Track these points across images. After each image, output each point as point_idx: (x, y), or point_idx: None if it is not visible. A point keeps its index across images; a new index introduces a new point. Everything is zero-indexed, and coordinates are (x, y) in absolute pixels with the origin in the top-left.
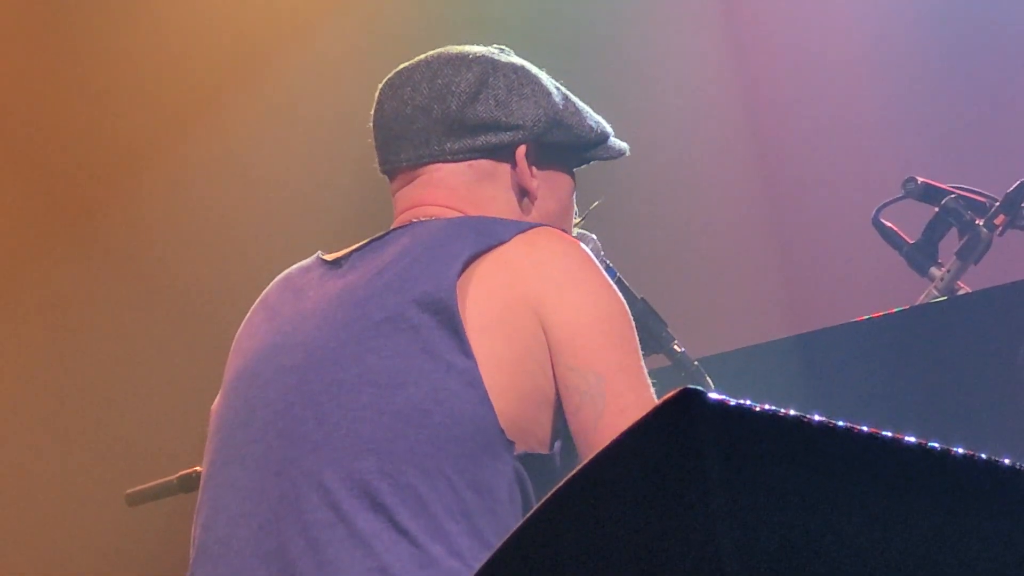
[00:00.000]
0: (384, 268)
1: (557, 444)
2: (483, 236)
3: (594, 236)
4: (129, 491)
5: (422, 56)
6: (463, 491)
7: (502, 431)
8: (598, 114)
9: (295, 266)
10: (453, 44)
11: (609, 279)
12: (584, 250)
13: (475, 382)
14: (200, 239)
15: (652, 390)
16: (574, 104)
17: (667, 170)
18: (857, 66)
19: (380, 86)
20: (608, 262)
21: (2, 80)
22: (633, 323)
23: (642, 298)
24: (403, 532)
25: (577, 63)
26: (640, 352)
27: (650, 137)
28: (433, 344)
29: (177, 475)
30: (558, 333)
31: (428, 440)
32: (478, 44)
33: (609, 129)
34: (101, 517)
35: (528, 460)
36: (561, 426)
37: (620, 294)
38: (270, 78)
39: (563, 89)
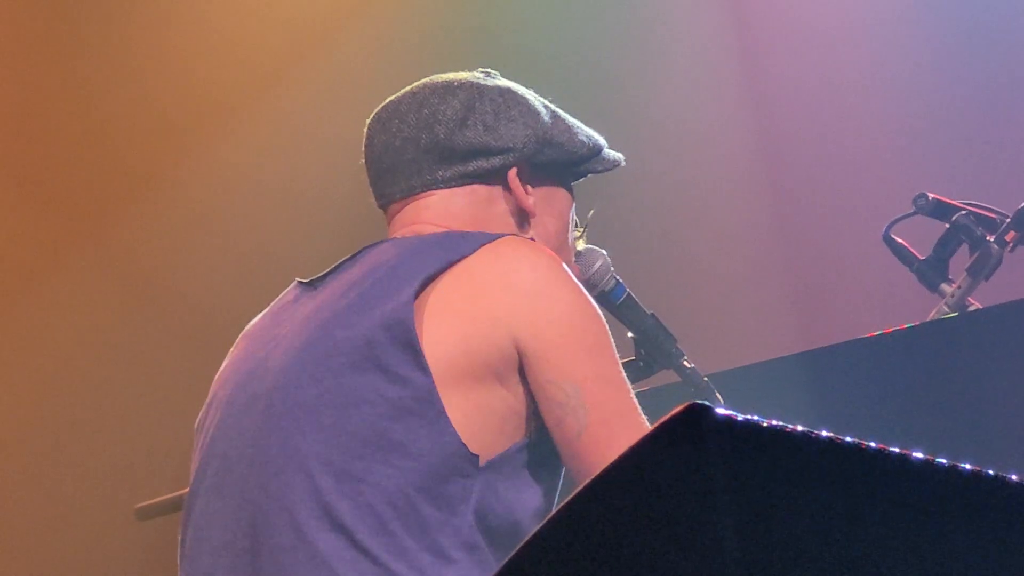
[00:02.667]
0: (348, 288)
1: (516, 445)
2: (446, 252)
3: (604, 252)
4: (139, 505)
5: (407, 88)
6: (422, 507)
7: (463, 445)
8: (603, 128)
9: (276, 299)
10: (459, 56)
11: (580, 285)
12: (551, 256)
13: (432, 399)
14: (210, 249)
15: (632, 395)
16: (564, 121)
17: (677, 186)
18: (869, 81)
19: (367, 122)
20: (618, 278)
21: (6, 88)
22: (607, 328)
23: (652, 313)
24: (364, 551)
25: (587, 80)
26: (617, 357)
27: (659, 153)
28: (388, 362)
29: (187, 489)
30: (533, 346)
31: (385, 459)
32: (481, 56)
33: (602, 141)
34: (111, 531)
35: (491, 467)
36: (531, 431)
37: (592, 299)
38: (276, 91)
39: (552, 107)
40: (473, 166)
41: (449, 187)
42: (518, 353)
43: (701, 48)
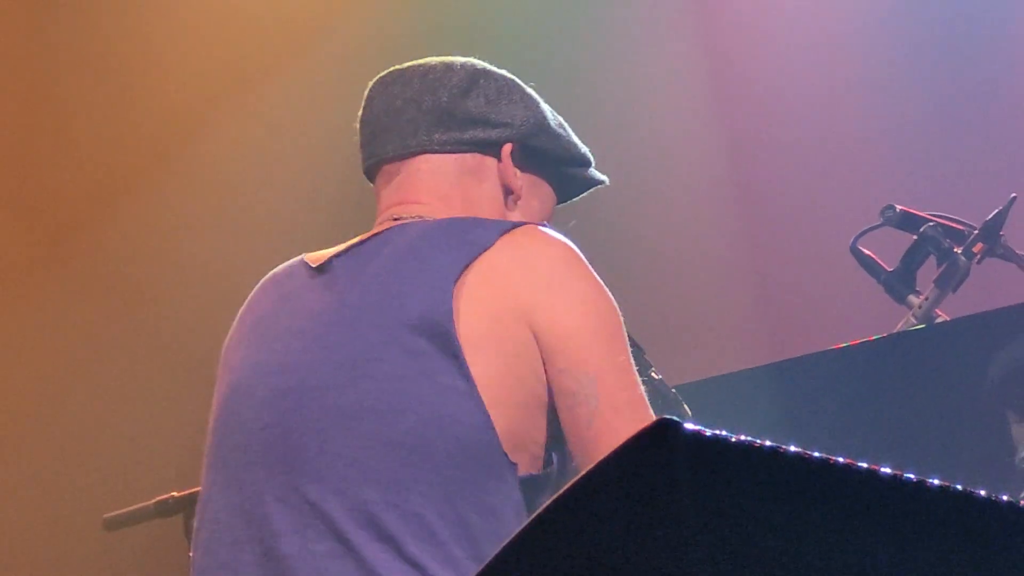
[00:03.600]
0: (370, 282)
1: (554, 459)
2: (468, 244)
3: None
4: (107, 515)
5: (413, 61)
6: (469, 516)
7: (505, 454)
8: (580, 140)
9: (279, 268)
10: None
11: (597, 276)
12: (570, 247)
13: (476, 405)
14: (185, 261)
15: (642, 389)
16: (560, 121)
17: (644, 196)
18: (836, 92)
19: (370, 84)
20: None
21: None
22: (622, 320)
23: None
24: (411, 561)
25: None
26: (630, 349)
27: (628, 162)
28: (432, 368)
29: (154, 500)
30: (549, 336)
31: (432, 468)
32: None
33: (591, 158)
34: (79, 541)
35: (529, 482)
36: (558, 431)
37: (608, 291)
38: (261, 95)
39: (551, 109)
40: (470, 134)
41: (442, 152)
42: (537, 342)
43: (670, 58)
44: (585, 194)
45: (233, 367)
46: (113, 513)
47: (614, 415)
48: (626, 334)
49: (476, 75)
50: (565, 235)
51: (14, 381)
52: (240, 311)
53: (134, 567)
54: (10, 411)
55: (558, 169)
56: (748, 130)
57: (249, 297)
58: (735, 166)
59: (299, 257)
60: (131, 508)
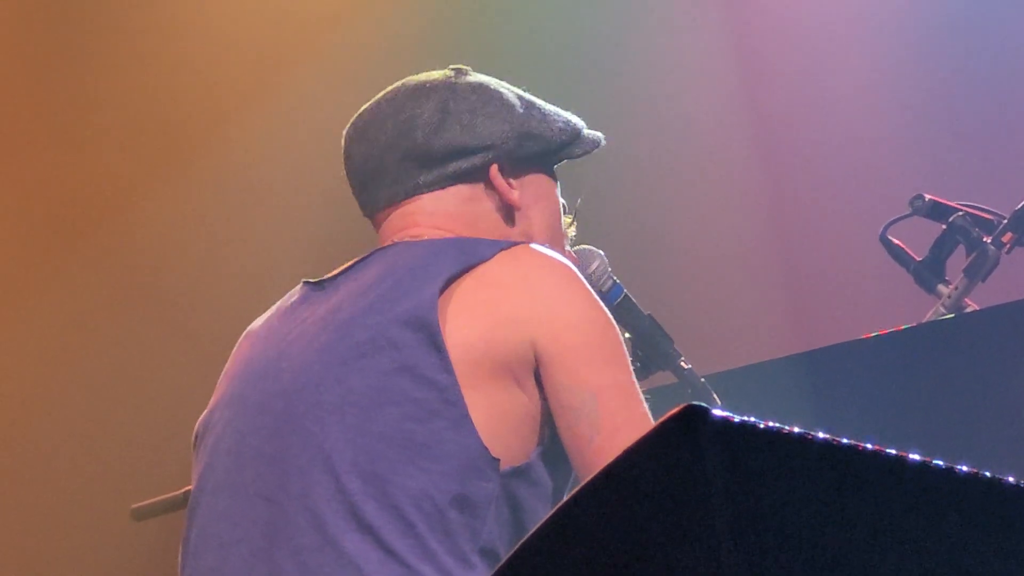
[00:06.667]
0: (367, 289)
1: (536, 451)
2: (465, 255)
3: (601, 252)
4: (135, 505)
5: (380, 95)
6: (447, 510)
7: (486, 449)
8: (597, 127)
9: (282, 299)
10: (454, 53)
11: (595, 294)
12: (568, 265)
13: (457, 400)
14: (210, 251)
15: (645, 405)
16: (540, 110)
17: (674, 187)
18: (865, 81)
19: (345, 132)
20: (615, 278)
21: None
22: (622, 338)
23: (649, 314)
24: (391, 553)
25: (582, 79)
26: (631, 367)
27: (656, 153)
28: (414, 362)
29: (183, 490)
30: (551, 349)
31: (410, 460)
32: (475, 48)
33: (580, 123)
34: (107, 531)
35: (514, 474)
36: (545, 436)
37: (607, 309)
38: (270, 92)
39: (526, 96)
40: (453, 167)
41: (432, 191)
42: (535, 356)
43: (698, 49)
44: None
45: (229, 377)
46: (141, 503)
47: (616, 432)
48: (626, 352)
49: (445, 100)
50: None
51: (43, 372)
52: (239, 339)
53: (162, 556)
54: (39, 402)
55: (551, 159)
56: (778, 120)
57: (249, 327)
58: (764, 156)
59: (300, 283)
60: (159, 498)
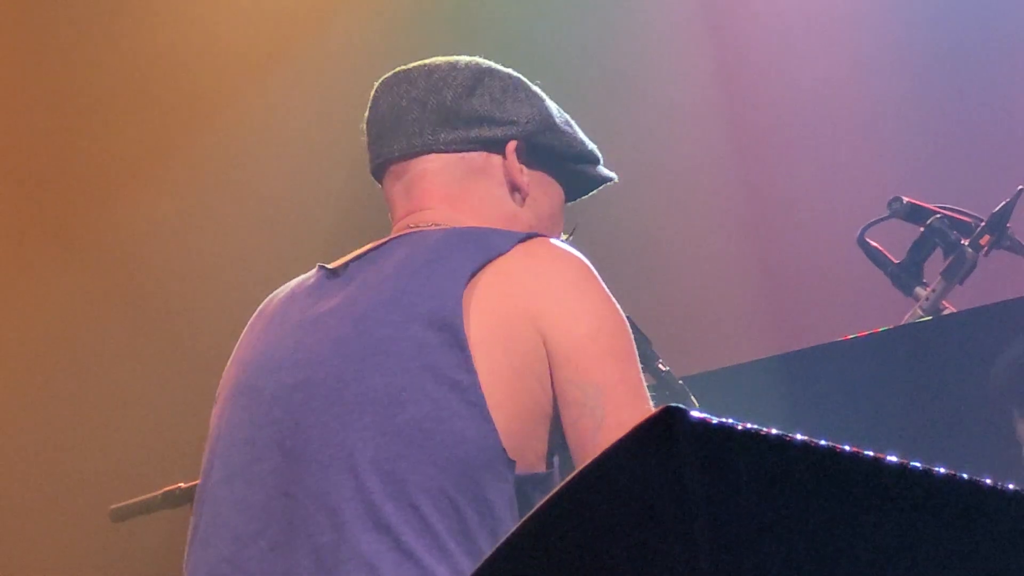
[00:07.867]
0: (384, 281)
1: (555, 461)
2: (483, 250)
3: (579, 254)
4: (113, 506)
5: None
6: (465, 510)
7: (503, 450)
8: (587, 136)
9: (296, 279)
10: (441, 52)
11: (608, 291)
12: (583, 261)
13: (478, 399)
14: (189, 252)
15: (651, 403)
16: (567, 118)
17: (652, 188)
18: (843, 84)
19: (376, 84)
20: None
21: None
22: (632, 336)
23: (628, 316)
24: (407, 553)
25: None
26: (639, 365)
27: (634, 154)
28: (436, 361)
29: (161, 491)
30: (558, 346)
31: (430, 460)
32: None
33: (599, 155)
34: (85, 532)
35: (528, 480)
36: (559, 440)
37: (619, 307)
38: (261, 87)
39: (559, 108)
40: (475, 133)
41: (448, 151)
42: (546, 350)
43: (677, 52)
44: (594, 192)
45: (242, 364)
46: (120, 504)
47: (619, 428)
48: (636, 349)
49: (481, 74)
50: (573, 242)
51: (21, 372)
52: (251, 319)
53: (141, 558)
54: (17, 402)
55: (565, 166)
56: (755, 122)
57: (261, 305)
58: (743, 158)
59: (316, 266)
60: (138, 499)
